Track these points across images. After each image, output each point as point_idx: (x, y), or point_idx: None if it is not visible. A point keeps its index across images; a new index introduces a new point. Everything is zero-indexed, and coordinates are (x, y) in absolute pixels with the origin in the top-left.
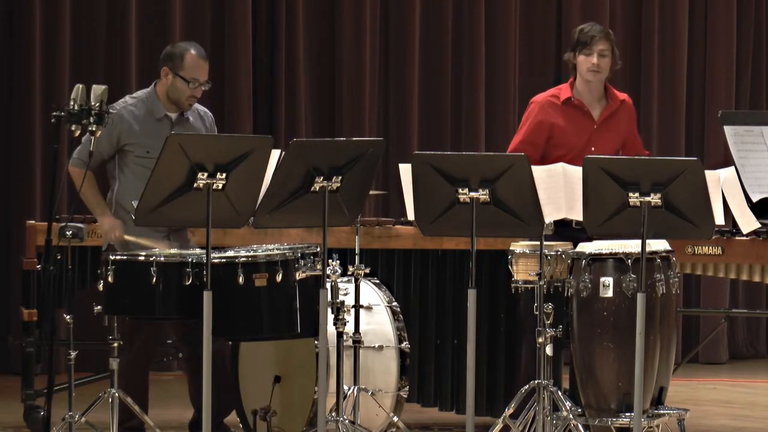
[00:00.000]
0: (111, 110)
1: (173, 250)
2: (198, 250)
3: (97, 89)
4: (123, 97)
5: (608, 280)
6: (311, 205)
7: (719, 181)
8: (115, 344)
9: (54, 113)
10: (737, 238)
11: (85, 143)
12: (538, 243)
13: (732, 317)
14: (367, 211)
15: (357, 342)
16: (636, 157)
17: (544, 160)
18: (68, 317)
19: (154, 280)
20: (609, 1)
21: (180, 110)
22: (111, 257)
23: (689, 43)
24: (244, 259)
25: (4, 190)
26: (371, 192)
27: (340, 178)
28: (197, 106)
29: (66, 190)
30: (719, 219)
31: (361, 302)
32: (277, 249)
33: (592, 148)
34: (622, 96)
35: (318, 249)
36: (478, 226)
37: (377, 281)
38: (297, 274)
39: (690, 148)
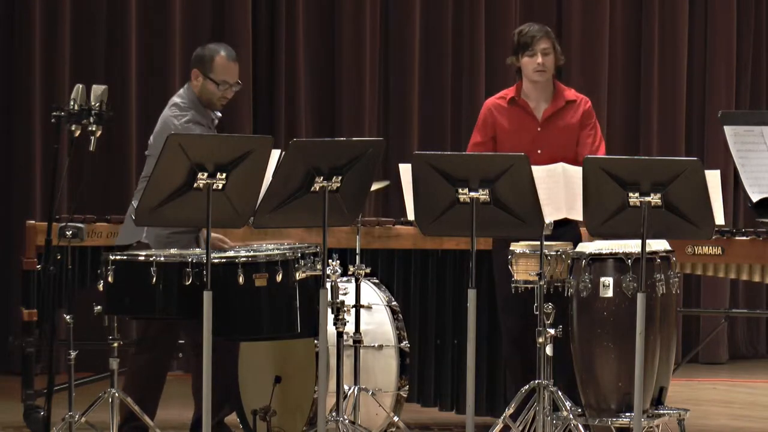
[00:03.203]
0: (175, 120)
1: (173, 250)
2: (198, 250)
3: (97, 89)
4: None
5: (608, 280)
6: (311, 205)
7: (719, 181)
8: (115, 344)
9: (54, 113)
10: (737, 238)
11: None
12: (538, 243)
13: (732, 317)
14: (367, 211)
15: (357, 342)
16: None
17: None
18: (68, 317)
19: (154, 280)
20: (609, 1)
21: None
22: (111, 257)
23: (689, 43)
24: (244, 259)
25: (4, 190)
26: (374, 186)
27: (340, 178)
28: None
29: (66, 190)
30: (719, 219)
31: (361, 302)
32: (277, 249)
33: (539, 151)
34: (575, 96)
35: (318, 249)
36: (478, 226)
37: (377, 281)
38: (297, 274)
39: (690, 148)
